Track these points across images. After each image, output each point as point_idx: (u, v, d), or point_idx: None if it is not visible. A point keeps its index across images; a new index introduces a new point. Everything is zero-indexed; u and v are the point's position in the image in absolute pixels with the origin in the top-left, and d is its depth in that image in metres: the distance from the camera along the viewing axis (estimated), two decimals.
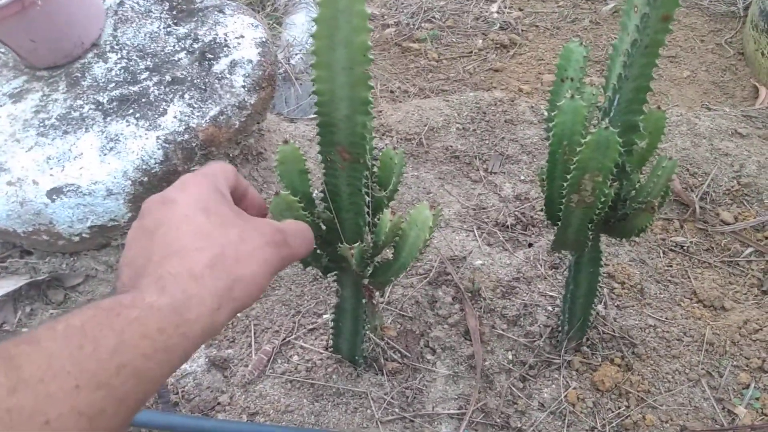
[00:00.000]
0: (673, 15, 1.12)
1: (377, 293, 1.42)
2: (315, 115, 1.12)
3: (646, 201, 1.31)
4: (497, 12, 3.80)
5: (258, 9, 3.03)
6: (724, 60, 3.44)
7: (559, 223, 1.37)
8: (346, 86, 1.05)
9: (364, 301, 1.45)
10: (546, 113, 2.45)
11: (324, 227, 1.31)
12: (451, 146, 2.28)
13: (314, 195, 1.32)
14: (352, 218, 1.27)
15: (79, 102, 1.75)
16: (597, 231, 1.46)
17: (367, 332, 1.56)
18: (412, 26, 3.67)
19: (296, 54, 2.86)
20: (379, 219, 1.26)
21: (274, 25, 2.95)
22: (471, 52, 3.54)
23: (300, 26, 2.96)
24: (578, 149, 1.19)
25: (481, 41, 3.58)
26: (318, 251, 1.36)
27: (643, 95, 1.23)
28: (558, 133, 1.26)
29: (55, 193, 1.63)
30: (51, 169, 1.65)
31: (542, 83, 3.31)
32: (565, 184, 1.26)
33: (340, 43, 0.99)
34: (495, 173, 2.22)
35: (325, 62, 1.02)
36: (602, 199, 1.26)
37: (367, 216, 1.27)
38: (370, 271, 1.37)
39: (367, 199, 1.24)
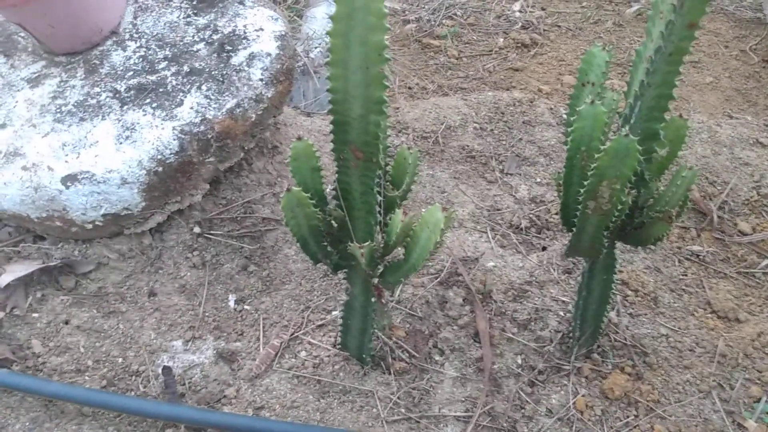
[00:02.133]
0: (699, 23, 1.10)
1: (387, 293, 1.40)
2: (329, 113, 1.11)
3: (663, 210, 1.29)
4: (519, 11, 3.76)
5: (279, 1, 3.02)
6: (747, 67, 3.39)
7: (574, 228, 1.35)
8: (361, 85, 1.04)
9: (373, 300, 1.44)
10: (565, 116, 2.43)
11: (335, 225, 1.31)
12: (468, 146, 2.26)
13: (327, 191, 1.31)
14: (363, 217, 1.27)
15: (97, 89, 1.75)
16: (612, 238, 1.44)
17: (376, 331, 1.55)
18: (432, 23, 3.64)
19: (315, 47, 2.85)
20: (390, 219, 1.25)
21: (295, 17, 2.94)
22: (491, 50, 3.51)
23: (320, 19, 2.94)
24: (597, 156, 1.17)
25: (501, 40, 3.55)
26: (328, 248, 1.35)
27: (665, 103, 1.21)
28: (576, 139, 1.24)
29: (69, 179, 1.63)
30: (66, 155, 1.65)
31: (562, 84, 3.27)
32: (581, 191, 1.25)
33: (356, 42, 0.98)
34: (511, 174, 2.20)
35: (340, 60, 1.01)
36: (619, 207, 1.24)
37: (378, 215, 1.26)
38: (380, 271, 1.36)
39: (379, 198, 1.23)
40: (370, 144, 1.13)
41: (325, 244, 1.33)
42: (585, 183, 1.24)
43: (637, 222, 1.37)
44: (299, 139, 1.22)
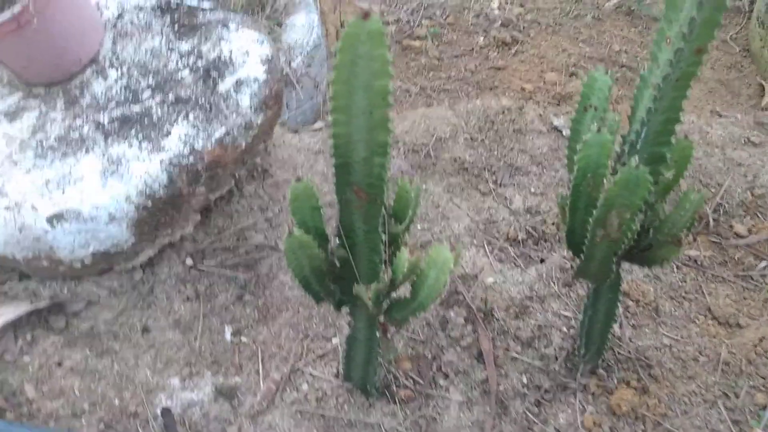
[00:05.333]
0: (707, 48, 1.07)
1: (393, 328, 1.37)
2: (331, 157, 1.07)
3: (671, 234, 1.27)
4: (498, 8, 3.73)
5: (257, 10, 2.95)
6: (729, 57, 3.39)
7: (581, 255, 1.33)
8: (364, 130, 1.00)
9: (378, 334, 1.40)
10: (554, 120, 2.40)
11: (338, 263, 1.27)
12: (459, 157, 2.23)
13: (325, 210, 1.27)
14: (367, 255, 1.23)
15: (79, 122, 1.69)
16: (619, 260, 1.41)
17: (381, 364, 1.52)
18: (412, 23, 3.60)
19: (297, 57, 2.79)
20: (396, 256, 1.22)
21: (275, 27, 2.88)
22: (472, 49, 3.48)
23: (301, 28, 2.88)
24: (606, 186, 1.15)
25: (482, 39, 3.52)
26: (331, 287, 1.31)
27: (672, 127, 1.18)
28: (583, 167, 1.21)
29: (55, 218, 1.58)
30: (50, 193, 1.60)
31: (545, 82, 3.25)
32: (590, 219, 1.22)
33: (360, 88, 0.94)
34: (504, 185, 2.17)
35: (343, 106, 0.97)
36: (629, 235, 1.22)
37: (383, 253, 1.22)
38: (385, 307, 1.32)
39: (384, 237, 1.20)
40: (374, 186, 1.09)
41: (328, 282, 1.29)
42: (593, 211, 1.21)
43: (644, 244, 1.35)
44: (298, 179, 1.18)
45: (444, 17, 3.64)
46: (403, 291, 1.30)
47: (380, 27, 0.87)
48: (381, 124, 0.99)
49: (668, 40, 1.08)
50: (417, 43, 3.50)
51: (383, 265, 1.23)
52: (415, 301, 1.23)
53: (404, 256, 1.18)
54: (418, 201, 1.29)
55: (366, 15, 0.86)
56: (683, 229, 1.28)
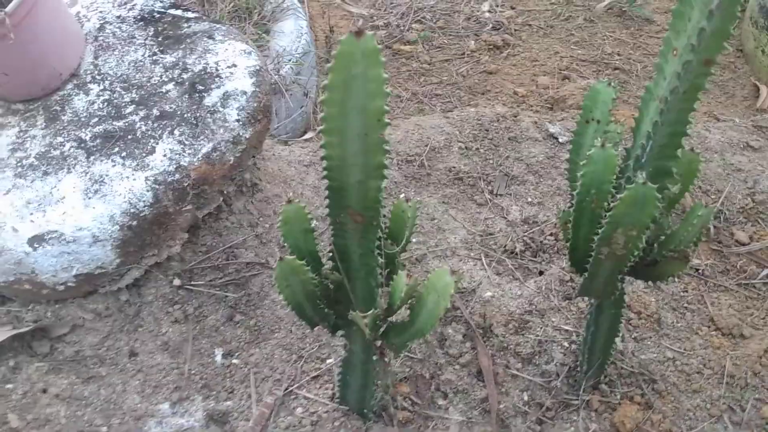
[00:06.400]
0: (716, 59, 1.02)
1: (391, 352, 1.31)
2: (324, 179, 1.02)
3: (679, 250, 1.22)
4: (489, 11, 3.69)
5: (245, 17, 2.90)
6: (722, 57, 3.35)
7: (585, 273, 1.28)
8: (359, 153, 0.94)
9: (375, 357, 1.35)
10: (548, 127, 2.36)
11: (332, 287, 1.22)
12: (454, 167, 2.17)
13: (319, 236, 1.21)
14: (363, 278, 1.17)
15: (60, 139, 1.62)
16: (623, 276, 1.37)
17: (378, 388, 1.46)
18: (402, 28, 3.55)
19: (286, 64, 2.74)
20: (393, 280, 1.16)
21: (262, 34, 2.82)
22: (463, 53, 3.44)
23: (289, 34, 2.83)
24: (613, 204, 1.10)
25: (473, 42, 3.47)
26: (326, 311, 1.26)
27: (678, 140, 1.13)
28: (587, 183, 1.16)
29: (36, 240, 1.52)
30: (31, 214, 1.54)
31: (537, 86, 3.21)
32: (595, 237, 1.17)
33: (354, 110, 0.88)
34: (501, 195, 2.12)
35: (336, 128, 0.92)
36: (635, 253, 1.17)
37: (379, 277, 1.17)
38: (382, 330, 1.27)
39: (380, 260, 1.14)
40: (370, 208, 1.04)
41: (322, 306, 1.24)
42: (598, 228, 1.16)
43: (650, 259, 1.30)
44: (289, 201, 1.12)
45: (434, 21, 3.59)
46: (402, 312, 1.25)
47: (375, 45, 0.81)
48: (377, 147, 0.94)
49: (675, 52, 1.04)
50: (407, 48, 3.45)
51: (380, 289, 1.18)
52: (414, 326, 1.18)
53: (402, 280, 1.12)
54: (414, 220, 1.24)
55: (359, 33, 0.81)
56: (690, 244, 1.23)
